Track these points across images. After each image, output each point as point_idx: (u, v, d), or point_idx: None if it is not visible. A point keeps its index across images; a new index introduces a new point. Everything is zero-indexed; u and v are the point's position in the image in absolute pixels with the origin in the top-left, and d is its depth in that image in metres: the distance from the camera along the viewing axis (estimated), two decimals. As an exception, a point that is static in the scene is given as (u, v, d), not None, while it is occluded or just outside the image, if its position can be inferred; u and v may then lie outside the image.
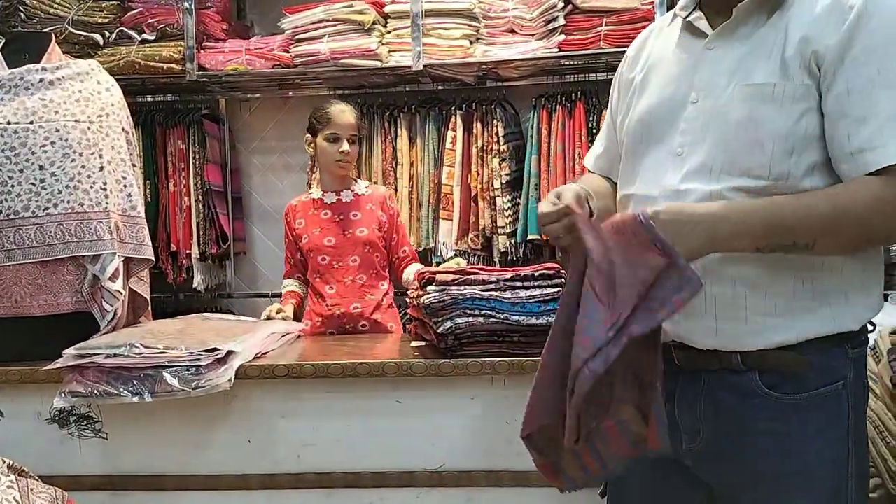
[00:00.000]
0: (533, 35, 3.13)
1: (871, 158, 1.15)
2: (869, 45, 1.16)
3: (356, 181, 2.88)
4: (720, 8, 1.33)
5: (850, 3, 1.19)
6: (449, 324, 1.78)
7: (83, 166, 2.15)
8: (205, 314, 2.60)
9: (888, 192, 1.14)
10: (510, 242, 3.50)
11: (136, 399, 1.76)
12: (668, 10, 2.75)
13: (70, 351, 1.85)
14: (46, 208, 2.07)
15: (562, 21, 3.14)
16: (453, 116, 3.48)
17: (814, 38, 1.20)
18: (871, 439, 1.69)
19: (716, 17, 1.34)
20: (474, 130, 3.48)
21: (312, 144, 2.78)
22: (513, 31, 3.16)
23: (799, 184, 1.21)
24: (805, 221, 1.16)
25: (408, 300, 2.17)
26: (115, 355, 1.80)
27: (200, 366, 1.77)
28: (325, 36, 3.14)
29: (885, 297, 2.25)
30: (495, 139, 3.44)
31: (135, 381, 1.79)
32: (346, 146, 2.70)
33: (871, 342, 1.74)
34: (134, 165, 2.37)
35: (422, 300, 1.87)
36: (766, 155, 1.22)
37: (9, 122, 2.08)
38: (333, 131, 2.71)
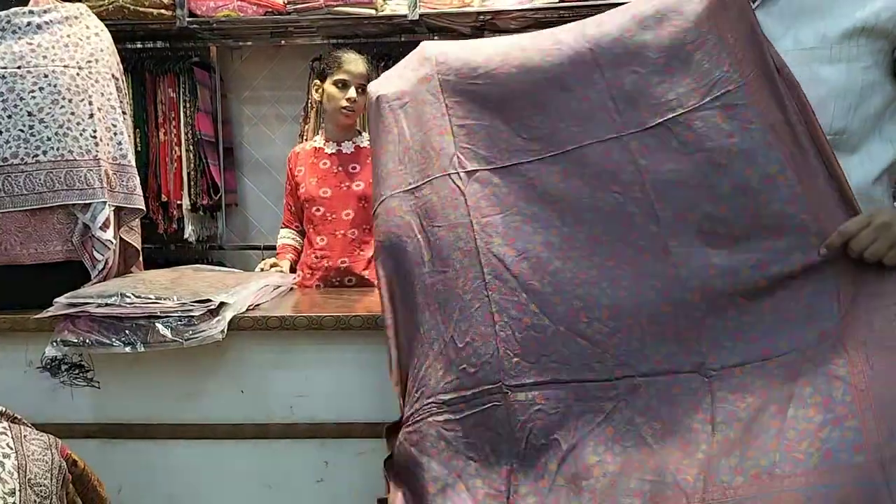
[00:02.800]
0: (531, -14, 3.08)
1: None
2: None
3: (361, 133, 2.81)
4: None
5: None
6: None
7: (72, 113, 2.11)
8: (197, 265, 2.59)
9: None
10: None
11: (128, 349, 1.76)
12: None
13: (61, 299, 1.84)
14: (36, 155, 2.04)
15: (561, -29, 3.09)
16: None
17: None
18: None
19: None
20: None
21: (320, 90, 2.72)
22: (511, -19, 3.11)
23: None
24: None
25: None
26: (107, 304, 1.79)
27: (193, 317, 1.77)
28: (320, -17, 3.08)
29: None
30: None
31: (127, 331, 1.78)
32: (353, 93, 2.64)
33: None
34: (124, 113, 2.33)
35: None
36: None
37: (-4, 67, 2.03)
38: (343, 77, 2.64)
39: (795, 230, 1.31)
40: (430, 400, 1.49)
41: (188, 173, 3.52)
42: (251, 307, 1.93)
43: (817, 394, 1.26)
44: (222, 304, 1.80)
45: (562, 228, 1.47)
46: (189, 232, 3.57)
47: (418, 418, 1.50)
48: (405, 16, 3.07)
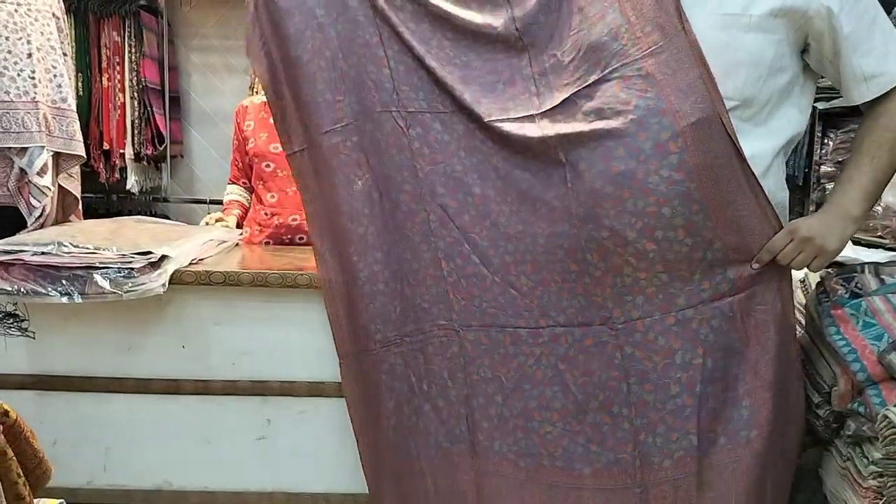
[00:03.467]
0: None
1: (884, 80, 1.40)
2: None
3: None
4: None
5: None
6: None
7: (9, 52, 2.02)
8: (139, 217, 2.52)
9: None
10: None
11: (64, 300, 1.71)
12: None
13: (-6, 246, 1.77)
14: (-32, 95, 1.95)
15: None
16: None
17: None
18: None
19: None
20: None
21: None
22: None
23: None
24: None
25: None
26: (43, 253, 1.74)
27: (133, 269, 1.72)
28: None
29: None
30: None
31: (64, 281, 1.73)
32: None
33: (801, 275, 1.80)
34: (65, 55, 2.24)
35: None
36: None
37: (-75, -1, 1.93)
38: None
39: (681, 196, 1.38)
40: (391, 332, 1.64)
41: (132, 121, 3.40)
42: (194, 261, 1.89)
43: (717, 369, 1.46)
44: (164, 256, 1.76)
45: (496, 182, 1.54)
46: (132, 182, 3.47)
47: (380, 348, 1.65)
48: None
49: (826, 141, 2.79)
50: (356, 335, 1.68)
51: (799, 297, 1.80)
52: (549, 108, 1.50)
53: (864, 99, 1.43)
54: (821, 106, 2.75)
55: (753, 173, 1.39)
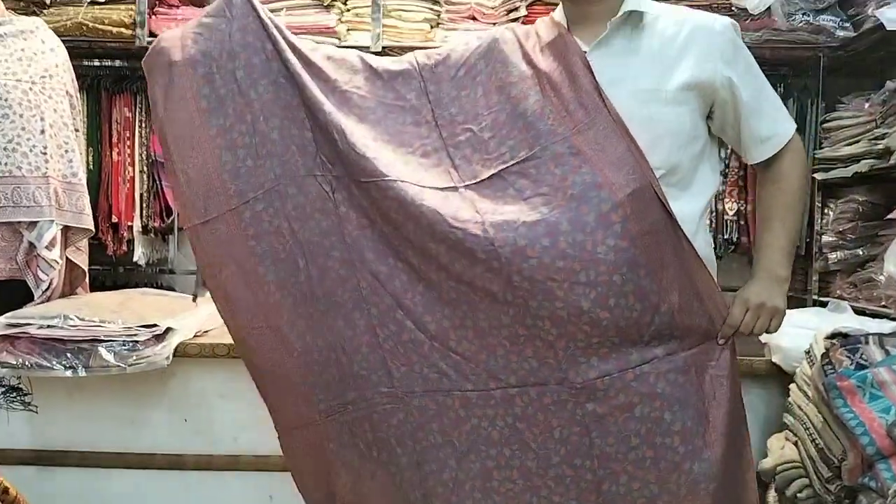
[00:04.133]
0: (494, 23, 3.12)
1: (776, 140, 1.53)
2: (746, 64, 1.52)
3: None
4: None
5: (717, 29, 1.51)
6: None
7: (23, 128, 2.07)
8: (144, 289, 2.54)
9: (797, 152, 1.56)
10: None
11: (68, 373, 1.71)
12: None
13: (1, 319, 1.78)
14: (-19, 170, 1.99)
15: (524, 11, 3.13)
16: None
17: (698, 57, 1.48)
18: (801, 441, 1.74)
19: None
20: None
21: None
22: (474, 18, 3.15)
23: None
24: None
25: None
26: (49, 326, 1.75)
27: (137, 341, 1.73)
28: (283, 10, 3.07)
29: (823, 304, 2.32)
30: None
31: (68, 354, 1.73)
32: None
33: (806, 346, 1.79)
34: (76, 130, 2.29)
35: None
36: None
37: (-55, 79, 1.99)
38: None
39: (629, 262, 1.42)
40: (333, 401, 1.56)
41: (141, 194, 3.45)
42: (199, 333, 1.90)
43: (677, 421, 1.47)
44: (168, 329, 1.77)
45: (424, 248, 1.51)
46: (139, 254, 3.49)
47: (324, 419, 1.57)
48: (367, 47, 3.08)
49: (826, 211, 2.81)
50: (298, 408, 1.60)
51: (805, 368, 1.79)
52: (472, 181, 1.52)
53: (763, 157, 1.56)
54: (819, 176, 2.78)
55: (685, 235, 1.46)
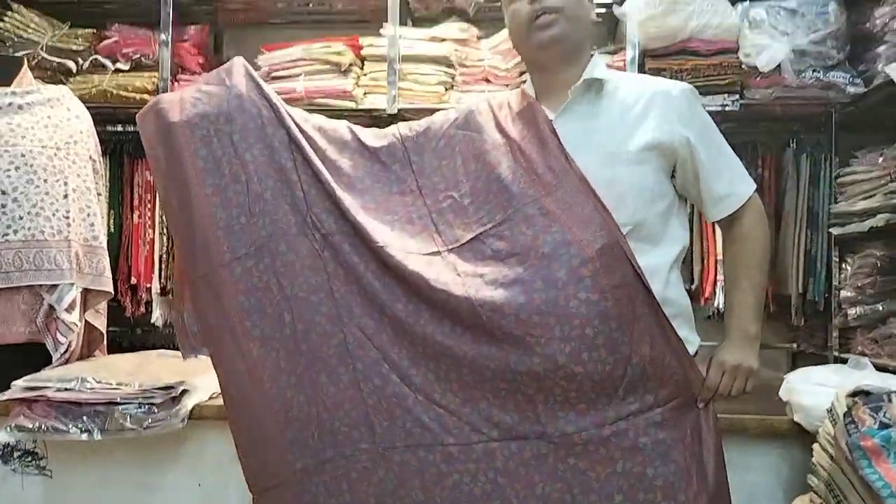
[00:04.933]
0: (507, 85, 3.17)
1: (734, 199, 1.61)
2: (704, 125, 1.62)
3: None
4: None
5: (674, 93, 1.61)
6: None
7: (47, 193, 2.11)
8: (161, 350, 2.55)
9: (756, 211, 1.63)
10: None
11: (84, 436, 1.71)
12: (640, 68, 2.82)
13: (19, 383, 1.80)
14: (5, 234, 2.03)
15: (535, 73, 3.19)
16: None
17: (658, 119, 1.56)
18: (825, 501, 1.70)
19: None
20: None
21: None
22: (487, 80, 3.20)
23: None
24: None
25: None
26: (66, 389, 1.76)
27: (154, 403, 1.73)
28: (301, 75, 3.14)
29: (843, 361, 2.28)
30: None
31: (84, 418, 1.74)
32: None
33: (828, 404, 1.76)
34: (99, 195, 2.34)
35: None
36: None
37: (-27, 146, 2.04)
38: None
39: (600, 314, 1.46)
40: (310, 460, 1.57)
41: (160, 256, 3.49)
42: (214, 395, 1.89)
43: (659, 476, 1.49)
44: (184, 391, 1.77)
45: (407, 304, 1.57)
46: (157, 316, 3.51)
47: (301, 479, 1.57)
48: (384, 109, 3.14)
49: (844, 266, 2.79)
50: (275, 466, 1.60)
51: (828, 427, 1.76)
52: (454, 245, 1.60)
53: (721, 216, 1.63)
54: (835, 231, 2.77)
55: (652, 291, 1.51)
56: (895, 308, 2.54)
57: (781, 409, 1.97)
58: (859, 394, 1.67)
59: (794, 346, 3.14)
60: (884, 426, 1.52)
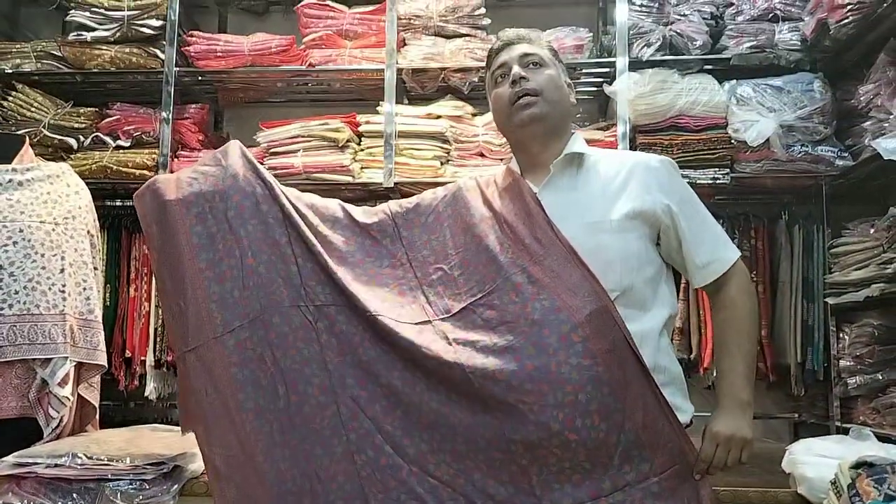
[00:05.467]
0: (501, 159, 3.23)
1: (717, 266, 1.64)
2: (684, 194, 1.66)
3: None
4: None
5: (653, 164, 1.67)
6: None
7: (43, 267, 2.12)
8: (154, 425, 2.51)
9: (742, 277, 1.66)
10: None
11: (73, 514, 1.67)
12: (631, 143, 2.88)
13: (8, 459, 1.77)
14: (0, 309, 2.03)
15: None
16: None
17: (638, 189, 1.61)
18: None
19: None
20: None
21: None
22: (482, 155, 3.26)
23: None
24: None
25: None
26: (56, 465, 1.73)
27: (145, 480, 1.70)
28: (299, 150, 3.20)
29: (845, 431, 2.26)
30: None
31: (74, 495, 1.70)
32: None
33: (831, 476, 1.74)
34: (96, 269, 2.35)
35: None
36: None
37: (-28, 221, 2.06)
38: None
39: (592, 380, 1.46)
40: None
41: (155, 329, 3.48)
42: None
43: None
44: (176, 466, 1.74)
45: (402, 373, 1.58)
46: (150, 389, 3.47)
47: None
48: (380, 183, 3.19)
49: (842, 335, 2.79)
50: None
51: (832, 499, 1.73)
52: (445, 315, 1.63)
53: (705, 282, 1.65)
54: (831, 301, 2.78)
55: (642, 357, 1.52)
56: (895, 377, 2.52)
57: (785, 481, 1.94)
58: (863, 465, 1.65)
59: (796, 416, 3.11)
60: (889, 498, 1.51)
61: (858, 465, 1.66)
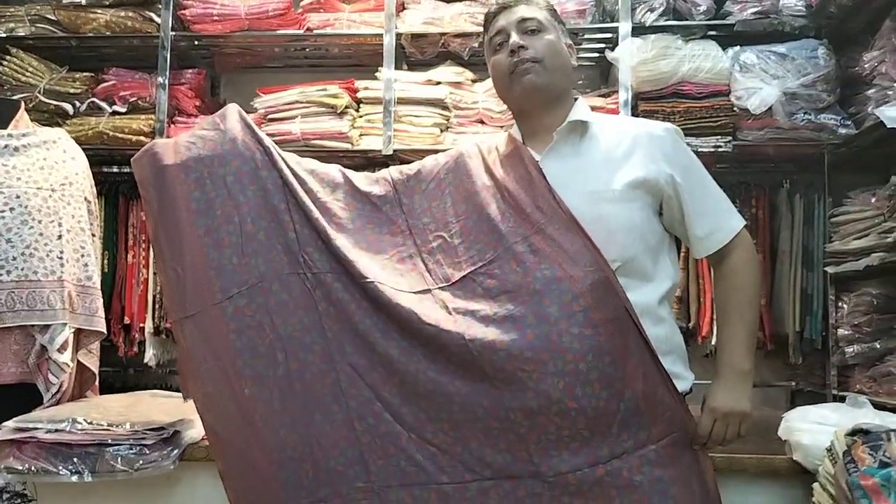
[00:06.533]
0: (501, 126, 3.21)
1: (721, 236, 1.62)
2: (688, 163, 1.63)
3: None
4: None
5: (658, 133, 1.64)
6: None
7: (41, 234, 2.11)
8: (154, 391, 2.52)
9: (746, 247, 1.64)
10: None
11: (74, 478, 1.68)
12: (633, 110, 2.86)
13: (9, 424, 1.77)
14: (-1, 274, 2.03)
15: (529, 115, 3.23)
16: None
17: (642, 158, 1.59)
18: (828, 543, 1.67)
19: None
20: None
21: None
22: (482, 122, 3.23)
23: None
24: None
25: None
26: (57, 430, 1.73)
27: (145, 445, 1.71)
28: (297, 117, 3.17)
29: (842, 399, 2.27)
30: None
31: (75, 459, 1.71)
32: None
33: (827, 443, 1.75)
34: (93, 235, 2.34)
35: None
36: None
37: (-32, 187, 2.05)
38: None
39: (593, 349, 1.47)
40: (305, 499, 1.55)
41: (154, 296, 3.48)
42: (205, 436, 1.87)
43: None
44: (176, 432, 1.75)
45: (400, 342, 1.57)
46: (150, 356, 3.48)
47: None
48: (379, 150, 3.16)
49: (840, 304, 2.80)
50: None
51: (827, 466, 1.74)
52: (445, 284, 1.62)
53: (707, 252, 1.64)
54: (830, 270, 2.77)
55: (643, 328, 1.52)
56: (892, 346, 2.53)
57: (780, 448, 1.95)
58: (858, 432, 1.66)
59: (793, 384, 3.13)
60: (884, 465, 1.51)
61: (854, 433, 1.67)
